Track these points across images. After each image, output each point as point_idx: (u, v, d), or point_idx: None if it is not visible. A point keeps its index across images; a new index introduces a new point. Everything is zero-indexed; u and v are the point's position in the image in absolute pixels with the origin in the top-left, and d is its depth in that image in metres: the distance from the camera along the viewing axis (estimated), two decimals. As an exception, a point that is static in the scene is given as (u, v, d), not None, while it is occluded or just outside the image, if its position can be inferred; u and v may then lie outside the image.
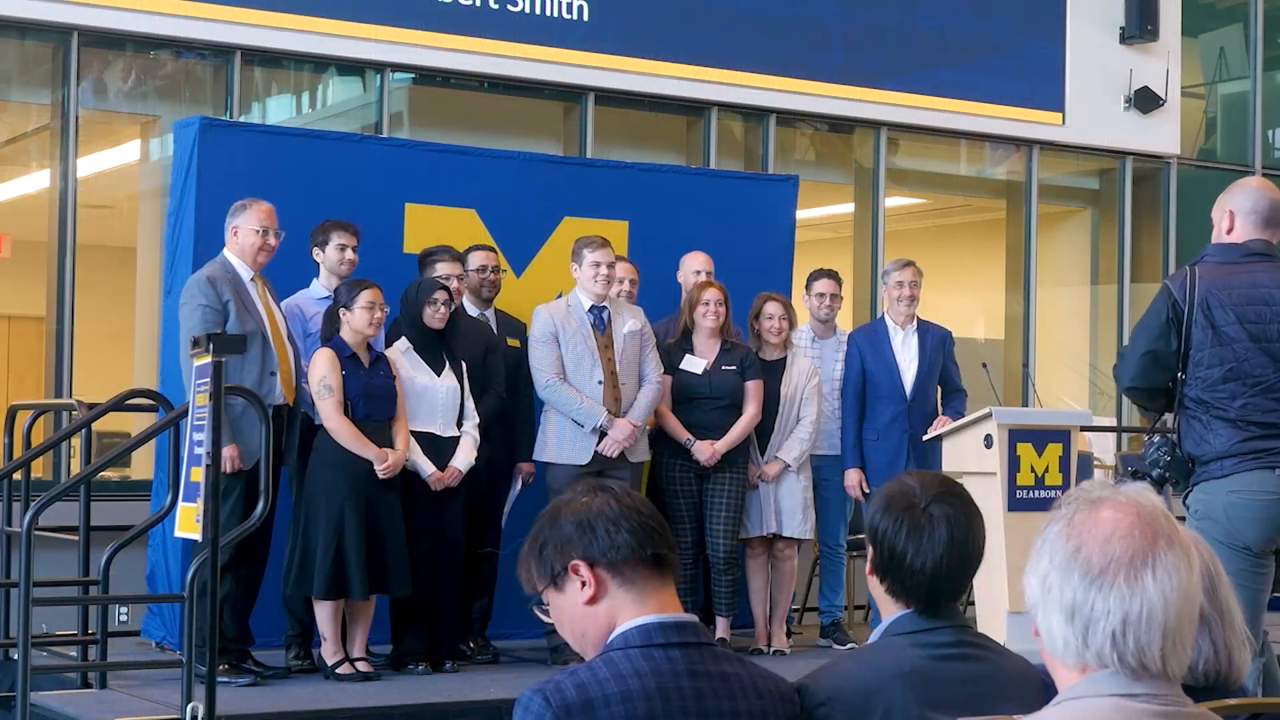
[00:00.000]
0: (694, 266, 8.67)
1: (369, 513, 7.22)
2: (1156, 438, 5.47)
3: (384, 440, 7.32)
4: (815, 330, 8.95)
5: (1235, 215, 5.40)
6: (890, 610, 2.97)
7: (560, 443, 7.89)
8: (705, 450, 8.15)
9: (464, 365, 7.70)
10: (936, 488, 2.96)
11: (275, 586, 7.43)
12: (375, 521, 7.24)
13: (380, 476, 7.24)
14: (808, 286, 8.99)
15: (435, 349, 7.60)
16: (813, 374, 8.60)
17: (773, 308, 8.47)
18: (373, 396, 7.31)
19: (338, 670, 7.22)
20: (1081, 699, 2.17)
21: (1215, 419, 5.30)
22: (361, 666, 7.27)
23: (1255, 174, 14.02)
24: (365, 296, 7.32)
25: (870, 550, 2.98)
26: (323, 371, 7.26)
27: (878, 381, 8.80)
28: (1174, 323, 5.32)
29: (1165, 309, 5.34)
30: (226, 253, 7.36)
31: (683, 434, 8.19)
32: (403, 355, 7.56)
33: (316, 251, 7.70)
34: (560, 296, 8.14)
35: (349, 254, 7.67)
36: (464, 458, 7.57)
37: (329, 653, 7.28)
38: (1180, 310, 5.29)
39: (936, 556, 2.90)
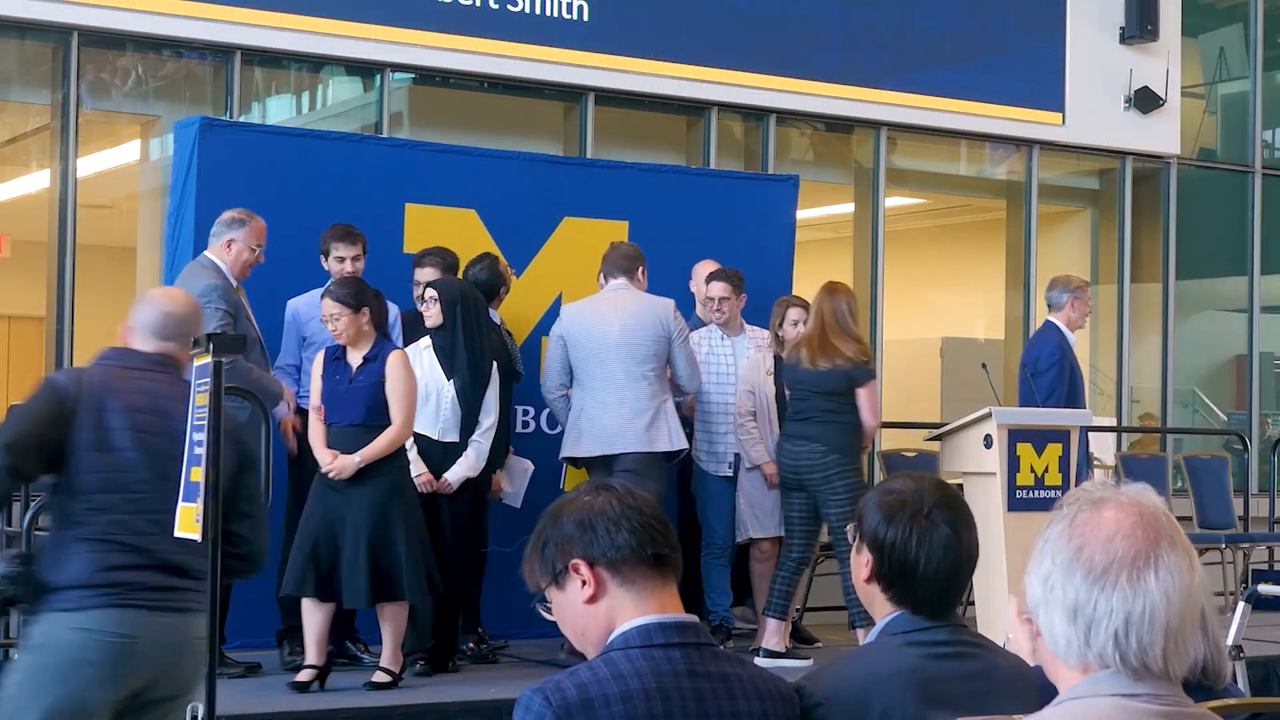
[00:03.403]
0: (705, 274, 8.55)
1: (331, 520, 6.97)
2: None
3: (354, 445, 7.00)
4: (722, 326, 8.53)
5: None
6: (885, 611, 2.97)
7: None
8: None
9: (488, 370, 7.59)
10: (936, 492, 2.97)
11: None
12: (335, 530, 6.97)
13: (330, 477, 6.98)
14: (706, 283, 8.55)
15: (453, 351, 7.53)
16: None
17: (795, 314, 8.31)
18: (336, 400, 7.05)
19: (297, 676, 6.94)
20: (1083, 699, 2.17)
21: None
22: (377, 678, 7.00)
23: (1255, 174, 14.03)
24: (322, 309, 7.08)
25: (870, 559, 2.96)
26: (312, 375, 7.26)
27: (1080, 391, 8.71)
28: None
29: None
30: (215, 259, 7.26)
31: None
32: (421, 353, 7.49)
33: (324, 259, 7.64)
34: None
35: (348, 265, 7.56)
36: (459, 471, 7.46)
37: (309, 655, 7.05)
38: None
39: (948, 561, 2.92)
